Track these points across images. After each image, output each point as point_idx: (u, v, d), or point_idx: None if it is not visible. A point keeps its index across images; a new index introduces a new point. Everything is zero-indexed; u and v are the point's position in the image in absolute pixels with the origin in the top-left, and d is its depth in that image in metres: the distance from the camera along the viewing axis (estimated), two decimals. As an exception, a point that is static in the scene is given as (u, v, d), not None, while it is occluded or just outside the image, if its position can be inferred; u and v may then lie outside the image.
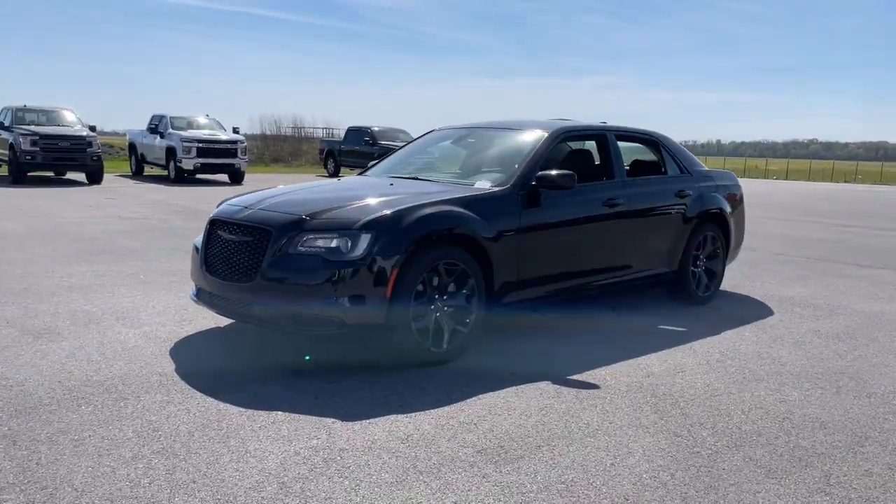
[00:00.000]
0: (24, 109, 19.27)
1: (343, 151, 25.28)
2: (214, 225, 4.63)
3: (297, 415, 3.58)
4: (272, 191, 5.10)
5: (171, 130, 20.32)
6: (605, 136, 5.85)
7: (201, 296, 4.65)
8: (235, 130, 21.59)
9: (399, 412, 3.66)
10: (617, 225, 5.56)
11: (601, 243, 5.47)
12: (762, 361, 4.77)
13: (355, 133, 25.15)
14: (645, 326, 5.55)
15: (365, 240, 4.14)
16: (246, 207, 4.61)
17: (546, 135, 5.41)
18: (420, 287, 4.29)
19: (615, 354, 4.78)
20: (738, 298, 6.73)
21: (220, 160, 20.00)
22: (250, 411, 3.60)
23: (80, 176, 18.97)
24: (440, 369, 4.34)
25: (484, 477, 2.98)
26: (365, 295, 4.11)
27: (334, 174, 25.11)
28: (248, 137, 26.75)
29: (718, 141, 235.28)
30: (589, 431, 3.50)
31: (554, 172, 4.98)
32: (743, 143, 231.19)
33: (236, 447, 3.18)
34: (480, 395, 3.94)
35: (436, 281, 4.40)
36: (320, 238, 4.17)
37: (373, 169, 6.17)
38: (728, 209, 6.61)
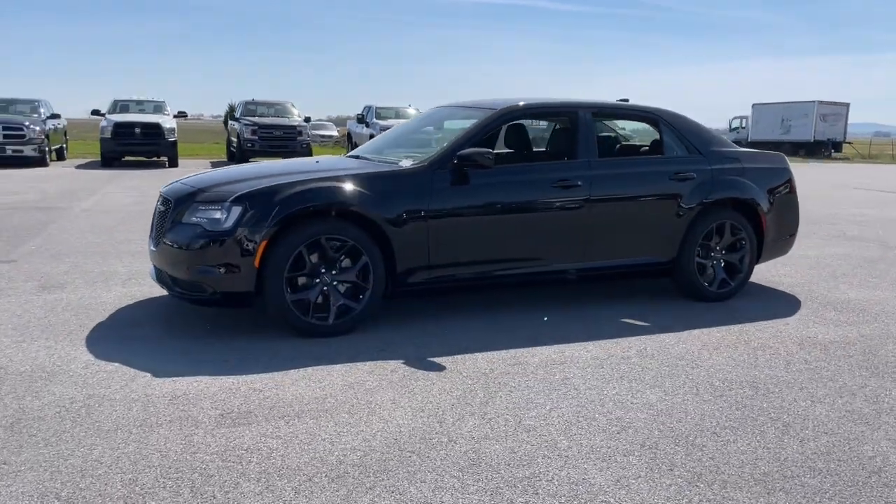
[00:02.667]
0: (253, 103, 21.86)
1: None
2: (158, 199, 5.16)
3: (116, 363, 3.97)
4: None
5: (374, 120, 21.78)
6: (576, 114, 5.47)
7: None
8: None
9: (213, 373, 3.89)
10: (575, 208, 5.20)
11: (550, 227, 5.16)
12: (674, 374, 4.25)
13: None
14: (608, 315, 5.15)
15: (236, 212, 4.40)
16: (177, 181, 5.08)
17: (489, 113, 5.23)
18: (299, 260, 4.44)
19: (510, 341, 4.56)
20: (781, 297, 5.90)
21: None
22: (93, 358, 4.06)
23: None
24: (319, 341, 4.46)
25: (208, 435, 3.13)
26: (233, 264, 4.38)
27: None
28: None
29: None
30: (372, 408, 3.48)
31: (471, 150, 4.83)
32: None
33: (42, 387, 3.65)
34: (308, 368, 4.03)
35: (320, 255, 4.53)
36: (204, 209, 4.50)
37: (357, 147, 6.32)
38: (759, 195, 5.81)
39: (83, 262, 6.62)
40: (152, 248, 4.78)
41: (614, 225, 5.35)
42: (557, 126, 5.84)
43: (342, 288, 4.63)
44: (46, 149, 18.52)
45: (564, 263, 5.26)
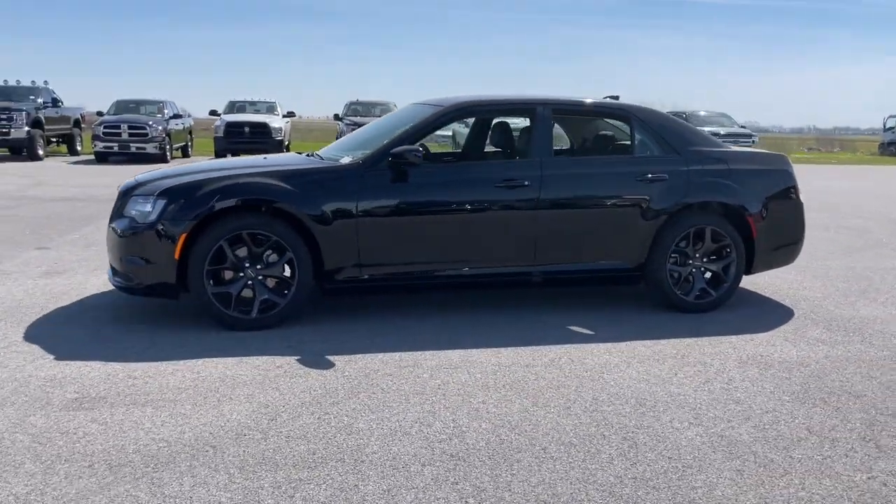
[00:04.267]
0: (357, 103, 22.51)
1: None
2: None
3: (37, 345, 4.22)
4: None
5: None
6: (533, 111, 5.23)
7: None
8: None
9: (109, 359, 4.06)
10: (522, 209, 4.99)
11: (493, 229, 4.98)
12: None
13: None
14: (556, 322, 4.92)
15: (159, 206, 4.57)
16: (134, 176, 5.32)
17: (436, 110, 5.13)
18: (220, 254, 4.56)
19: (428, 343, 4.46)
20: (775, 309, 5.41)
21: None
22: (21, 339, 4.36)
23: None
24: (235, 335, 4.55)
25: (45, 417, 3.30)
26: (155, 256, 4.55)
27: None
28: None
29: None
30: (221, 396, 3.54)
31: (402, 148, 4.76)
32: None
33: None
34: (201, 359, 4.12)
35: (245, 250, 4.62)
36: (137, 203, 4.70)
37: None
38: (747, 200, 5.34)
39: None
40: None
41: (569, 228, 5.09)
42: (519, 124, 5.61)
43: (271, 283, 4.70)
44: (168, 146, 19.94)
45: (514, 267, 5.07)
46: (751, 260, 5.44)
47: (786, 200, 5.54)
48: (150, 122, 19.76)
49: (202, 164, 5.67)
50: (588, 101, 5.52)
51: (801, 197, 5.65)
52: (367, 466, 2.90)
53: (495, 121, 6.02)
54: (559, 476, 2.87)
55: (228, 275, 4.68)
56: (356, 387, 3.74)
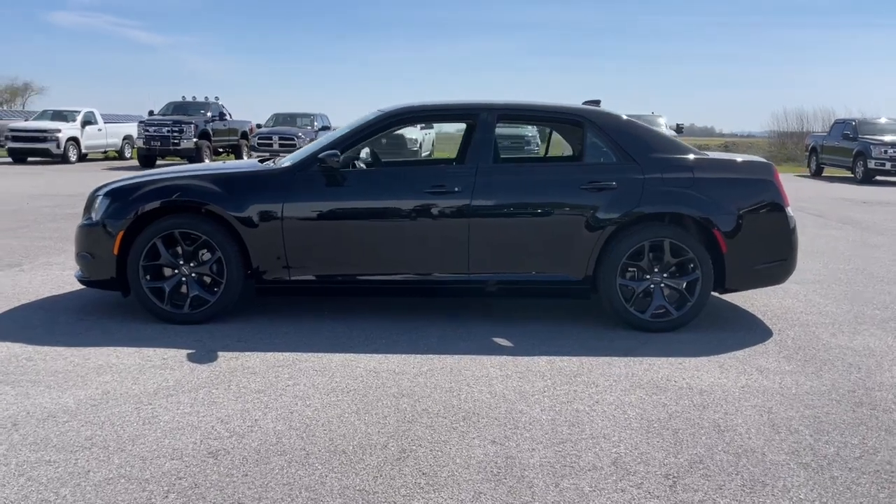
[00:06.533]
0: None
1: (824, 148, 22.17)
2: None
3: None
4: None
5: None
6: (476, 116, 5.07)
7: None
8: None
9: (26, 342, 4.49)
10: (451, 216, 4.87)
11: (421, 235, 4.89)
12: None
13: (839, 126, 21.83)
14: (482, 332, 4.75)
15: (104, 204, 4.97)
16: None
17: (376, 115, 5.13)
18: (154, 251, 4.87)
19: (342, 346, 4.49)
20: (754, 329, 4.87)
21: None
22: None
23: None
24: (166, 327, 4.83)
25: None
26: (97, 252, 4.94)
27: (816, 173, 22.34)
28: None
29: None
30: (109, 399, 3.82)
31: (326, 153, 4.83)
32: None
33: None
34: (106, 347, 4.43)
35: (178, 248, 4.91)
36: (97, 201, 5.11)
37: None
38: (714, 211, 4.84)
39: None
40: None
41: (505, 236, 4.89)
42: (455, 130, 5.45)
43: (207, 280, 4.95)
44: (314, 155, 21.26)
45: (446, 274, 4.95)
46: (721, 278, 4.93)
47: (767, 213, 4.96)
48: (299, 134, 21.15)
49: (167, 168, 6.05)
50: (538, 105, 5.27)
51: (790, 210, 5.03)
52: (115, 454, 3.01)
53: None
54: (304, 483, 2.81)
55: (168, 272, 4.98)
56: (206, 382, 3.86)
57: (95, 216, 4.98)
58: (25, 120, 25.49)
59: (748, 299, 5.76)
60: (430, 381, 3.92)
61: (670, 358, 4.37)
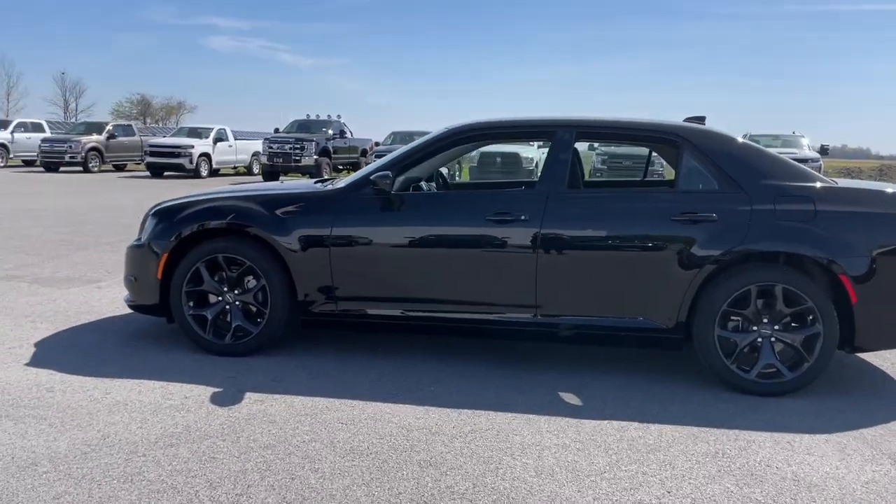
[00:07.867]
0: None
1: None
2: None
3: None
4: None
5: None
6: (552, 134, 4.40)
7: None
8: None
9: (33, 366, 4.24)
10: (518, 246, 4.23)
11: (483, 268, 4.27)
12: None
13: None
14: (538, 380, 4.09)
15: (151, 224, 4.67)
16: None
17: (436, 135, 4.58)
18: (197, 276, 4.52)
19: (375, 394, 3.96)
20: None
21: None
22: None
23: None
24: (196, 358, 4.48)
25: None
26: (142, 275, 4.64)
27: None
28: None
29: None
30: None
31: (378, 175, 4.32)
32: None
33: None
34: (128, 380, 4.10)
35: (222, 274, 4.55)
36: (148, 221, 4.83)
37: None
38: (840, 252, 3.96)
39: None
40: None
41: (579, 273, 4.20)
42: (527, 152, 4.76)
43: (252, 309, 4.56)
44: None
45: (509, 315, 4.31)
46: (850, 334, 4.02)
47: (917, 254, 4.00)
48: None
49: (230, 186, 5.71)
50: (626, 122, 4.55)
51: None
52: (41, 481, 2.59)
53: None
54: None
55: (213, 298, 4.62)
56: (216, 431, 3.41)
57: (144, 237, 4.70)
58: (163, 136, 26.84)
59: (884, 358, 4.77)
60: (468, 446, 3.30)
61: (775, 434, 3.53)
